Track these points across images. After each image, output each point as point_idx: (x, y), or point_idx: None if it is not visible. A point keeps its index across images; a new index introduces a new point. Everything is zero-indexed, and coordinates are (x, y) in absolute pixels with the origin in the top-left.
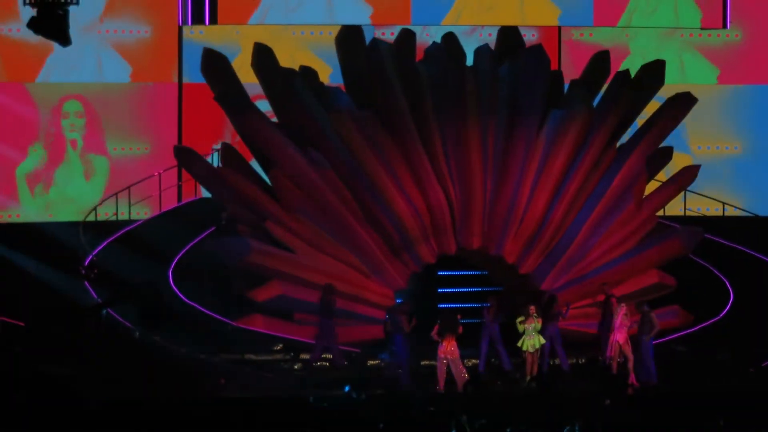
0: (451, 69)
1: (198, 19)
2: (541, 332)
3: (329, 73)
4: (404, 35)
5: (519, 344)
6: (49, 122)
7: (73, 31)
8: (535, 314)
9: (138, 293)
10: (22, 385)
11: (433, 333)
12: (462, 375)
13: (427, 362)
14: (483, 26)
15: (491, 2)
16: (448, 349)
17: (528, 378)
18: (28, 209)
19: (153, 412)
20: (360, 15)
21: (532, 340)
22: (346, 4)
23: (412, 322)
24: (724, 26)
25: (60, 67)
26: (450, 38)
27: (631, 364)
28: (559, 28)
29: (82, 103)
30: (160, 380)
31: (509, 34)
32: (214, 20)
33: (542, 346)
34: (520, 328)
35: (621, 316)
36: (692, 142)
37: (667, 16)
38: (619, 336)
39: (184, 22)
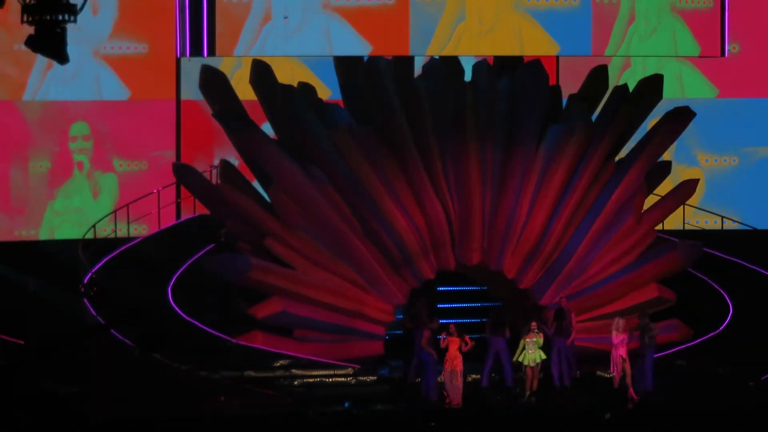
0: (450, 84)
1: (196, 50)
2: (550, 345)
3: (328, 95)
4: (402, 57)
5: (519, 358)
6: (53, 141)
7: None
8: (536, 329)
9: (136, 318)
10: (24, 403)
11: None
12: (460, 388)
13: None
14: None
15: (492, 38)
16: (456, 361)
17: (528, 393)
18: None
19: (155, 430)
20: (359, 51)
21: (532, 354)
22: (344, 41)
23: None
24: (722, 54)
25: (59, 84)
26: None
27: (629, 379)
28: (558, 57)
29: (88, 124)
30: (161, 398)
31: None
32: (212, 51)
33: (543, 361)
34: (521, 342)
35: (619, 331)
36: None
37: (666, 42)
38: (622, 351)
39: (182, 53)
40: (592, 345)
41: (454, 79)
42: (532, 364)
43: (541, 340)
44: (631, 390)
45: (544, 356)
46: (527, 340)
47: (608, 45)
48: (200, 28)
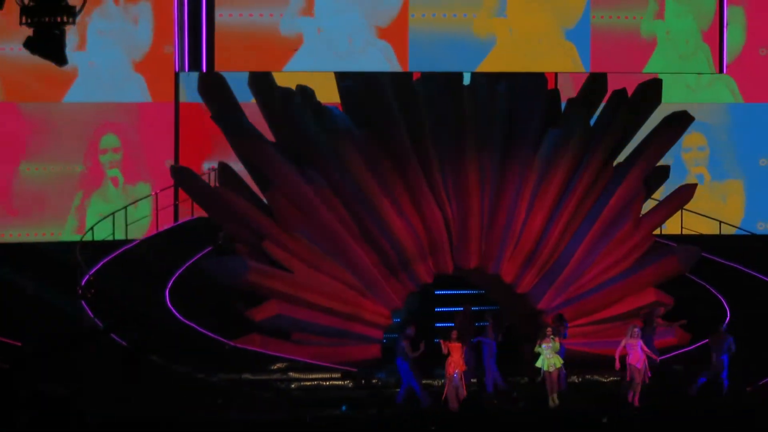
0: (448, 89)
1: (195, 66)
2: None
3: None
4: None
5: (538, 364)
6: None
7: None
8: (551, 335)
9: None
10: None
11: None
12: (462, 392)
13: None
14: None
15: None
16: (459, 367)
17: (552, 398)
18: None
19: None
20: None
21: (551, 359)
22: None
23: (419, 347)
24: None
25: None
26: None
27: (634, 386)
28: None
29: (118, 135)
30: (158, 400)
31: None
32: (211, 66)
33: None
34: (537, 349)
35: (630, 337)
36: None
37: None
38: (632, 359)
39: (181, 68)
40: (589, 350)
41: (453, 84)
42: (551, 369)
43: (558, 345)
44: (637, 397)
45: (561, 361)
46: (543, 345)
47: None
48: (199, 43)
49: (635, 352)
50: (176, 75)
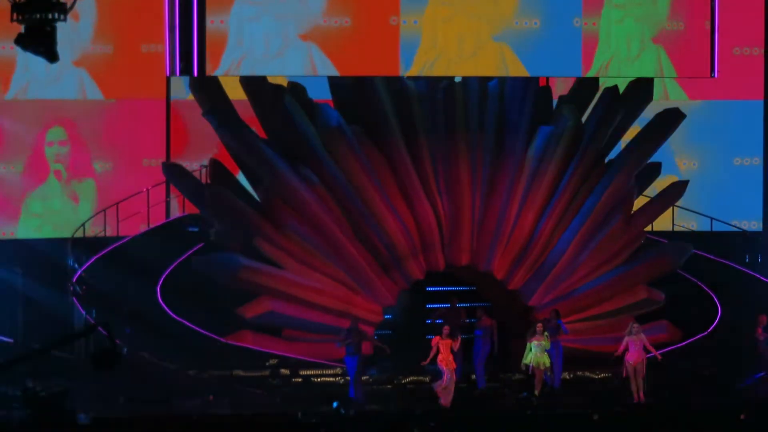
0: (440, 85)
1: (186, 70)
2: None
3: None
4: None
5: (526, 361)
6: (30, 143)
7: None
8: (542, 331)
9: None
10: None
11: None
12: (451, 388)
13: (413, 378)
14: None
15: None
16: (451, 363)
17: (536, 394)
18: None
19: (142, 429)
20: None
21: (540, 357)
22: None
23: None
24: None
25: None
26: None
27: (636, 384)
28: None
29: (65, 128)
30: (149, 397)
31: None
32: (202, 71)
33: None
34: (528, 345)
35: (629, 335)
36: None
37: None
38: (629, 356)
39: (172, 72)
40: (580, 346)
41: (445, 80)
42: (542, 367)
43: (547, 343)
44: (642, 393)
45: (549, 362)
46: (534, 342)
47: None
48: (191, 47)
49: (634, 351)
50: (167, 79)
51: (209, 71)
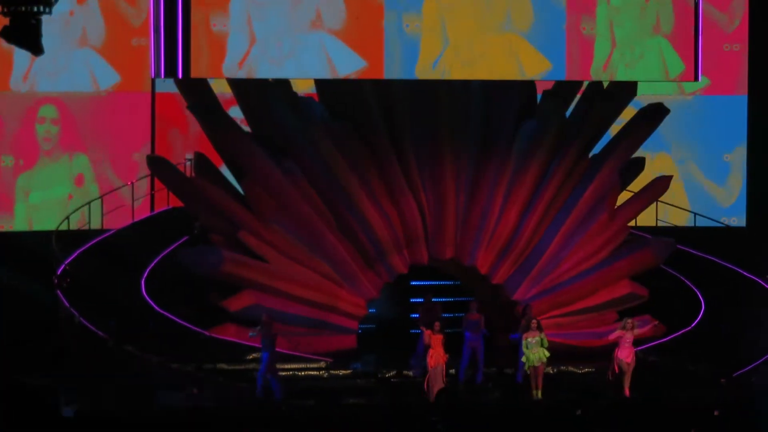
0: (424, 80)
1: (171, 71)
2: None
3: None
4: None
5: (523, 359)
6: (21, 130)
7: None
8: (536, 327)
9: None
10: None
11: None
12: (441, 383)
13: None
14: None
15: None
16: (441, 358)
17: (535, 391)
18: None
19: (126, 422)
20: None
21: (537, 354)
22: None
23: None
24: (696, 78)
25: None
26: None
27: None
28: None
29: (58, 108)
30: (132, 390)
31: None
32: (187, 72)
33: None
34: (523, 341)
35: (620, 331)
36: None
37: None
38: (621, 353)
39: (157, 74)
40: (563, 341)
41: (429, 82)
42: (537, 363)
43: (544, 338)
44: (626, 387)
45: (548, 354)
46: (528, 338)
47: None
48: (175, 49)
49: (626, 347)
50: (152, 81)
51: (211, 73)
